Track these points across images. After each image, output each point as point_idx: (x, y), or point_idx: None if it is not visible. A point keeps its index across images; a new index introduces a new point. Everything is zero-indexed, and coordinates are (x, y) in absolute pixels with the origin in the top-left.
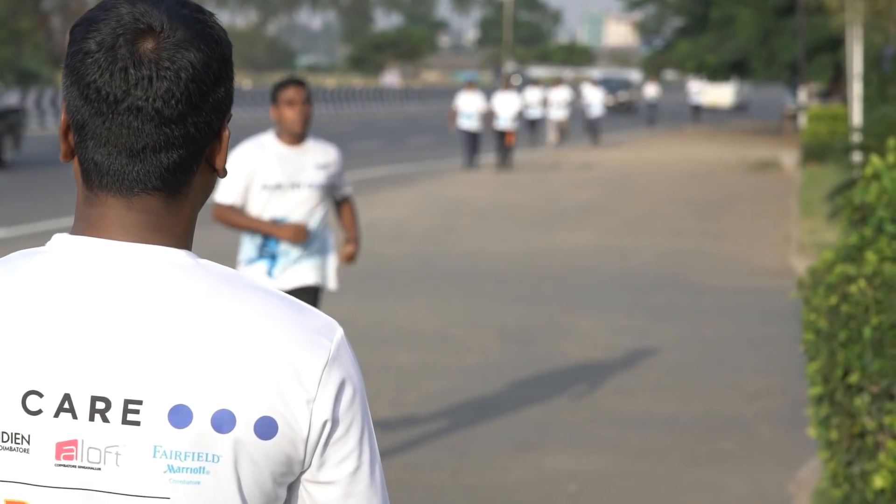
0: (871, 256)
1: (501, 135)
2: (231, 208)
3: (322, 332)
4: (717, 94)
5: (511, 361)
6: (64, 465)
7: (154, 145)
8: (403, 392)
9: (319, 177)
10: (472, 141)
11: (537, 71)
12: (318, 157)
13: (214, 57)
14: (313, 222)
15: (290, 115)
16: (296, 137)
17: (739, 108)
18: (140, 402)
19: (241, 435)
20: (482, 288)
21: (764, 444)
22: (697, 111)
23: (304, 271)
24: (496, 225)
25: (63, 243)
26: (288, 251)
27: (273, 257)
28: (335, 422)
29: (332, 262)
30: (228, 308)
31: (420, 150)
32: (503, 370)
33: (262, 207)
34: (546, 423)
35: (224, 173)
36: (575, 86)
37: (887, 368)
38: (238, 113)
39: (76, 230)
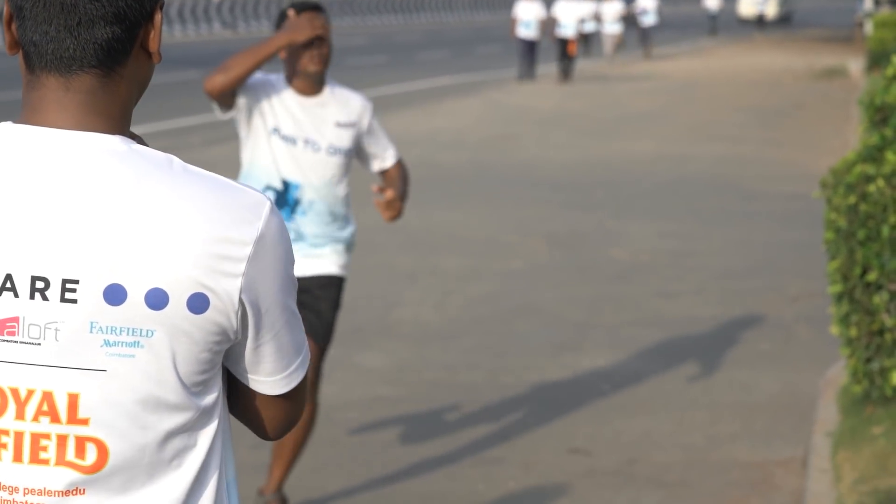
0: (890, 156)
1: (563, 43)
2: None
3: (250, 208)
4: (759, 4)
5: (557, 265)
6: (6, 341)
7: (87, 20)
8: (448, 295)
9: (342, 138)
10: (530, 50)
11: None
12: (339, 114)
13: None
14: (335, 195)
15: (305, 51)
16: (311, 83)
17: (783, 20)
18: (77, 282)
19: (174, 311)
20: (536, 195)
21: (800, 345)
22: (762, 22)
23: (325, 257)
24: (556, 133)
25: (6, 132)
26: (304, 230)
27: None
28: (263, 295)
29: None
30: (159, 191)
31: (487, 59)
32: (548, 274)
33: (271, 160)
34: (586, 324)
35: (158, 58)
36: None
37: None
38: None
39: (20, 118)
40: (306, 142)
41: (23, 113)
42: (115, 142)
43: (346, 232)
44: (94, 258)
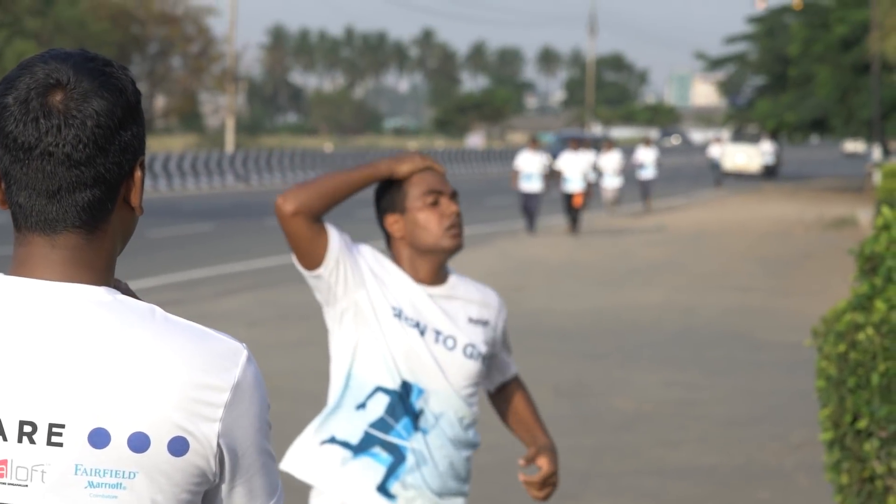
0: (880, 305)
1: (569, 197)
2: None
3: (228, 356)
4: (745, 156)
5: (561, 415)
6: None
7: (68, 186)
8: None
9: (479, 339)
10: (532, 204)
11: (620, 132)
12: (471, 308)
13: (119, 104)
14: (471, 413)
15: (436, 219)
16: (437, 265)
17: (768, 173)
18: (63, 426)
19: (155, 454)
20: (543, 345)
21: (799, 493)
22: (771, 172)
23: None
24: (565, 284)
25: None
26: (427, 452)
27: (396, 454)
28: (240, 438)
29: None
30: (141, 340)
31: (498, 210)
32: (552, 423)
33: (388, 352)
34: (588, 473)
35: (141, 211)
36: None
37: (894, 414)
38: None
39: (10, 270)
40: (438, 334)
41: (11, 266)
42: (100, 293)
43: (468, 473)
44: (80, 403)
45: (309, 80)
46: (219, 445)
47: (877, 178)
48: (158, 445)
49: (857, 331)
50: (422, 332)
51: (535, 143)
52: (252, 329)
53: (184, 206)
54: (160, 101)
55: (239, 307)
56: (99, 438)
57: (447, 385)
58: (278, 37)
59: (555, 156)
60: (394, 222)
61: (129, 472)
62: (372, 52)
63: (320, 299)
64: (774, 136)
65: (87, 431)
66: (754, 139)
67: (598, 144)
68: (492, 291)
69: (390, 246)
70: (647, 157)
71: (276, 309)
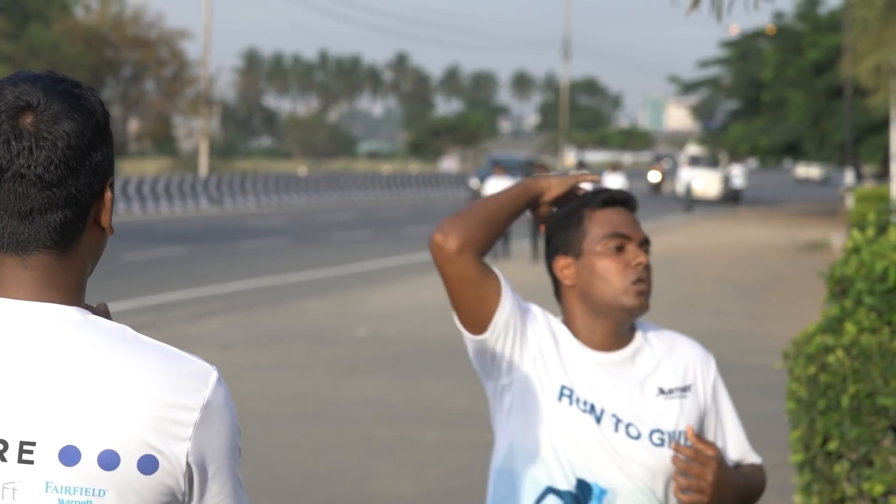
0: (850, 327)
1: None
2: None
3: (198, 377)
4: (703, 181)
5: None
6: None
7: (40, 207)
8: (425, 468)
9: (673, 416)
10: None
11: (595, 156)
12: (661, 374)
13: (89, 125)
14: None
15: (619, 270)
16: (617, 327)
17: (728, 199)
18: (34, 444)
19: (125, 472)
20: None
21: None
22: (735, 197)
23: None
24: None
25: None
26: None
27: None
28: (210, 459)
29: None
30: (112, 359)
31: None
32: None
33: (556, 443)
34: None
35: (111, 231)
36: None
37: (865, 436)
38: (292, 199)
39: None
40: (617, 421)
41: None
42: (71, 312)
43: None
44: (50, 421)
45: (283, 104)
46: (188, 465)
47: (850, 201)
48: (128, 463)
49: (827, 353)
50: (598, 419)
51: (500, 169)
52: (225, 352)
53: (157, 229)
54: (134, 125)
55: (212, 330)
56: (69, 456)
57: (636, 484)
58: (252, 60)
59: (482, 180)
60: (565, 266)
61: (99, 490)
62: (346, 76)
63: (477, 368)
64: (738, 160)
65: (57, 449)
66: (713, 164)
67: (529, 169)
68: (692, 343)
69: (559, 297)
70: (613, 183)
71: (249, 332)
